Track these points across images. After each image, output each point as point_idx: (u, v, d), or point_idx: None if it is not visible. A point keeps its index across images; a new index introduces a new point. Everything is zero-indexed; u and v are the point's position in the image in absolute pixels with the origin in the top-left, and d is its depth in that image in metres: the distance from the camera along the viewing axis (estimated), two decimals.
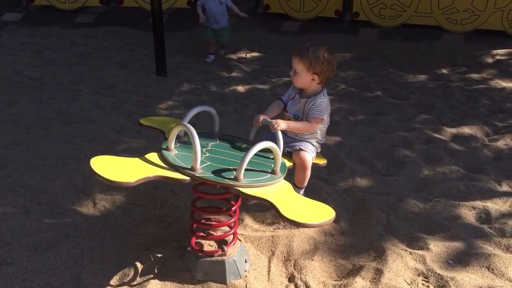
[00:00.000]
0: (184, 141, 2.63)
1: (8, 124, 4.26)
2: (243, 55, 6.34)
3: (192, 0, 7.56)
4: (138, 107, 4.66)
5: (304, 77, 2.82)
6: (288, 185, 2.45)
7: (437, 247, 2.88)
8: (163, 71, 5.48)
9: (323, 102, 2.86)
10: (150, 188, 3.38)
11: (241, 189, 2.28)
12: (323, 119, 2.87)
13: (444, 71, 6.01)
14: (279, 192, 2.35)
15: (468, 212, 3.24)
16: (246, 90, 5.24)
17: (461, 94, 5.25)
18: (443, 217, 3.19)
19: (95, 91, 5.06)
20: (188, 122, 2.54)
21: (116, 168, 2.26)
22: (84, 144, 3.95)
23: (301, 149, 2.85)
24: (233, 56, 6.30)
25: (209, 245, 2.67)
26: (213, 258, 2.57)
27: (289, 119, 2.90)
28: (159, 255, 2.75)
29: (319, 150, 3.04)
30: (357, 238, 2.97)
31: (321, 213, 2.26)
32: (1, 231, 2.91)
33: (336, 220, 3.11)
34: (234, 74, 5.71)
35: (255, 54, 6.41)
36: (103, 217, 3.11)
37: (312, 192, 3.31)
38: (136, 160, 2.37)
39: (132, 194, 3.33)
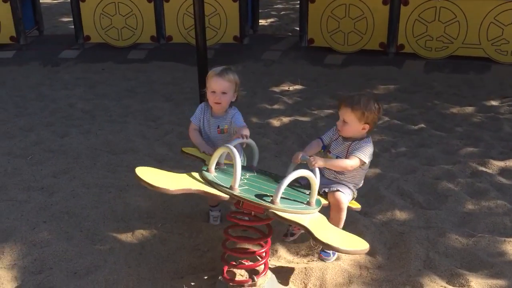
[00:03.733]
0: (223, 168, 2.71)
1: (59, 154, 4.49)
2: (286, 88, 6.42)
3: (239, 36, 7.78)
4: (181, 138, 4.78)
5: (354, 127, 2.83)
6: (323, 217, 2.47)
7: (479, 285, 2.75)
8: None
9: (369, 146, 2.86)
10: (187, 217, 3.45)
11: (277, 212, 2.31)
12: (365, 162, 2.85)
13: (493, 103, 5.82)
14: (314, 220, 2.38)
15: None
16: (287, 122, 5.28)
17: (511, 127, 5.05)
18: (487, 253, 3.05)
19: (141, 123, 5.26)
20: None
21: (159, 177, 2.42)
22: (127, 174, 4.08)
23: (338, 190, 2.84)
24: (276, 89, 6.39)
25: (240, 275, 2.67)
26: None
27: None
28: (192, 284, 2.78)
29: (355, 195, 3.02)
30: (394, 273, 2.88)
31: (355, 243, 2.28)
32: (44, 256, 3.04)
33: (372, 254, 3.05)
34: (276, 106, 5.78)
35: (297, 87, 6.47)
36: (140, 244, 3.18)
37: (348, 224, 3.25)
38: (179, 174, 2.52)
39: (170, 222, 3.40)
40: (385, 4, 7.12)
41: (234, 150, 2.47)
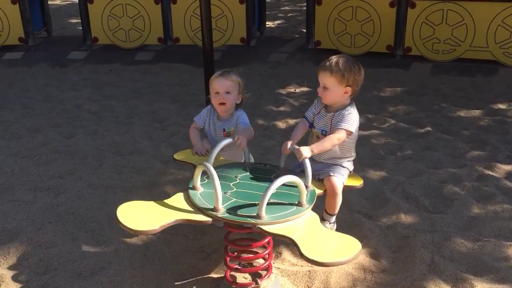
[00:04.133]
0: None
1: (65, 155, 4.51)
2: (292, 90, 6.41)
3: (245, 38, 7.79)
4: (186, 140, 4.78)
5: (336, 92, 2.74)
6: (314, 218, 2.40)
7: None
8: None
9: (352, 114, 2.78)
10: None
11: (263, 227, 2.28)
12: (351, 132, 2.78)
13: (501, 106, 5.78)
14: (303, 227, 2.32)
15: None
16: (293, 124, 5.26)
17: None
18: (492, 258, 3.03)
19: (147, 124, 5.27)
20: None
21: (141, 215, 2.37)
22: (133, 175, 4.10)
23: (330, 175, 2.80)
24: (282, 91, 6.39)
25: (243, 278, 2.67)
26: None
27: (317, 136, 2.87)
28: (195, 286, 2.77)
29: (351, 169, 2.96)
30: (399, 277, 2.87)
31: (346, 249, 2.19)
32: (49, 257, 3.06)
33: (377, 257, 3.04)
34: (282, 108, 5.78)
35: (304, 89, 6.46)
36: (145, 246, 3.19)
37: (353, 227, 3.26)
38: (161, 204, 2.47)
39: (175, 224, 3.39)
40: (392, 7, 7.11)
41: (212, 169, 2.38)
